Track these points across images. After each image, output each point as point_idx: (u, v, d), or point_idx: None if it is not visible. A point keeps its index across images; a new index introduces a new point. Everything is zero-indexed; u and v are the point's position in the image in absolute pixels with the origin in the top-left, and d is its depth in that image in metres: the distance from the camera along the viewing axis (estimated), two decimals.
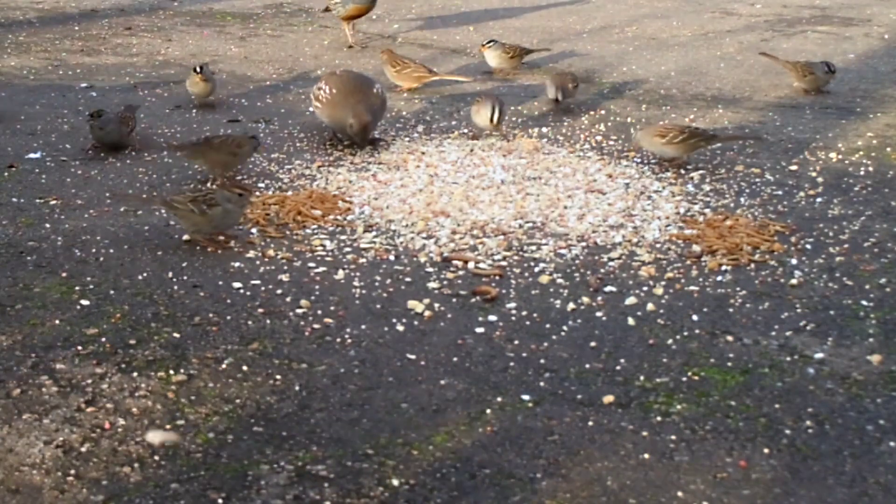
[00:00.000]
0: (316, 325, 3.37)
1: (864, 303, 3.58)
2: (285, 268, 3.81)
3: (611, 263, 3.89)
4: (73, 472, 2.59)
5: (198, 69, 5.94)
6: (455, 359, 3.18)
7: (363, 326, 3.37)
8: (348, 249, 3.99)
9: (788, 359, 3.20)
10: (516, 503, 2.51)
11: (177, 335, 3.29)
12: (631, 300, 3.58)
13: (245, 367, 3.10)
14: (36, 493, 2.50)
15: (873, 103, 6.32)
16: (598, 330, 3.38)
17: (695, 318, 3.47)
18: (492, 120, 5.26)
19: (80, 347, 3.20)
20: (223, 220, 3.98)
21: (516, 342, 3.29)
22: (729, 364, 3.17)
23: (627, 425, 2.82)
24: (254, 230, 4.15)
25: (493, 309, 3.51)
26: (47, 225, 4.19)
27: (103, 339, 3.25)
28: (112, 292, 3.58)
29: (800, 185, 4.77)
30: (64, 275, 3.72)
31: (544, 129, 5.66)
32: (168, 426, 2.79)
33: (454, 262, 3.88)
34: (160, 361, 3.12)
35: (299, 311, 3.47)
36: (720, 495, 2.53)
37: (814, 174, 4.94)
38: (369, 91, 5.27)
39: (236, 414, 2.86)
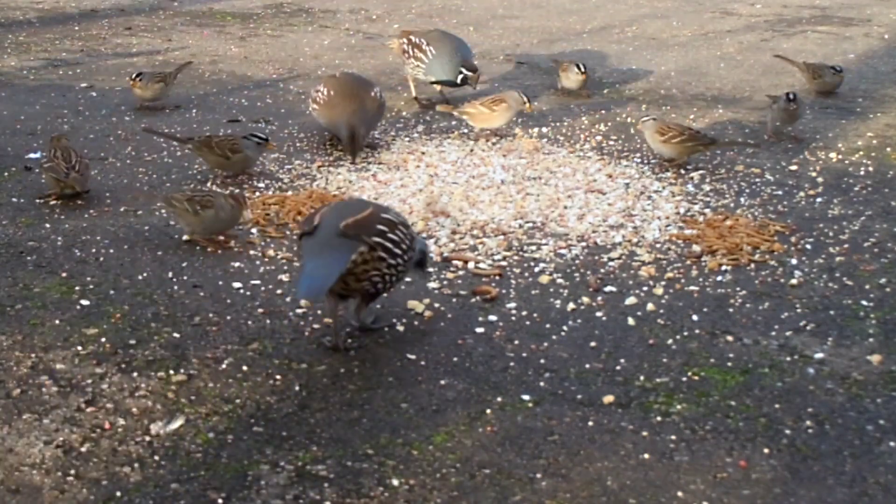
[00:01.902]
0: (316, 325, 3.37)
1: (864, 303, 3.58)
2: (285, 268, 3.81)
3: (611, 263, 3.89)
4: (73, 472, 2.59)
5: (134, 76, 5.90)
6: (455, 359, 3.18)
7: None
8: None
9: (788, 359, 3.20)
10: (516, 503, 2.51)
11: (177, 335, 3.29)
12: (631, 300, 3.58)
13: (245, 367, 3.10)
14: (36, 493, 2.50)
15: (873, 103, 6.32)
16: (598, 330, 3.38)
17: (695, 318, 3.47)
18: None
19: (80, 347, 3.20)
20: (213, 224, 3.98)
21: (516, 342, 3.29)
22: (729, 364, 3.17)
23: (627, 425, 2.82)
24: (254, 230, 4.15)
25: (493, 309, 3.51)
26: (47, 225, 4.19)
27: (103, 339, 3.25)
28: (112, 292, 3.58)
29: (800, 185, 4.77)
30: (64, 275, 3.72)
31: (544, 129, 5.66)
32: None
33: (454, 262, 3.88)
34: (160, 361, 3.12)
35: (299, 311, 3.47)
36: (720, 495, 2.53)
37: (814, 174, 4.94)
38: (366, 95, 5.24)
39: (236, 414, 2.86)
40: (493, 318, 3.45)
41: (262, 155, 4.89)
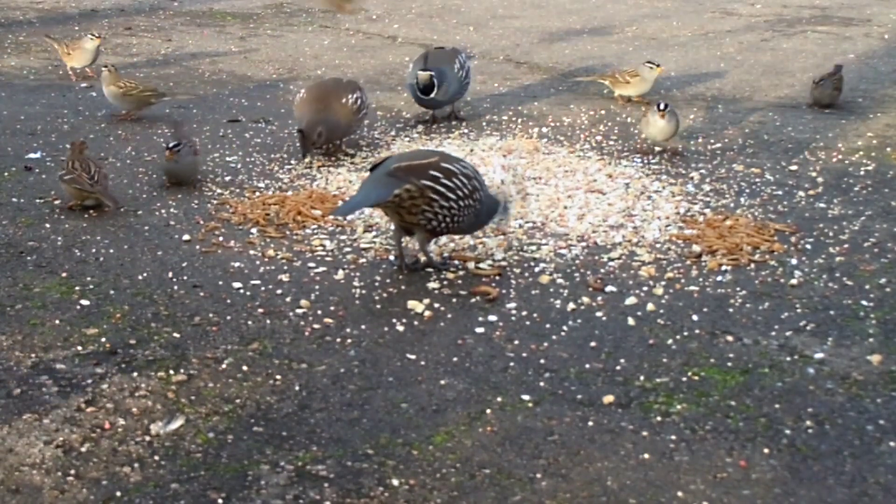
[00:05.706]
0: (316, 325, 3.37)
1: (864, 303, 3.58)
2: (285, 268, 3.81)
3: (611, 263, 3.89)
4: (73, 472, 2.59)
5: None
6: (455, 359, 3.18)
7: (363, 326, 3.37)
8: (348, 249, 3.99)
9: (788, 359, 3.20)
10: (516, 503, 2.51)
11: (177, 335, 3.29)
12: (631, 300, 3.57)
13: (245, 367, 3.10)
14: (36, 493, 2.50)
15: (873, 103, 6.32)
16: (598, 330, 3.38)
17: (695, 318, 3.47)
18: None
19: (80, 347, 3.20)
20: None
21: (516, 342, 3.29)
22: (729, 364, 3.17)
23: (627, 425, 2.82)
24: (254, 230, 4.15)
25: (493, 309, 3.51)
26: (47, 225, 4.19)
27: (103, 339, 3.25)
28: (112, 292, 3.58)
29: (800, 185, 4.77)
30: (64, 275, 3.72)
31: (544, 129, 5.66)
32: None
33: (454, 262, 3.88)
34: (160, 361, 3.12)
35: (299, 311, 3.47)
36: (720, 495, 2.53)
37: (814, 174, 4.94)
38: (336, 101, 5.10)
39: (236, 414, 2.86)
40: (493, 318, 3.45)
41: (201, 163, 4.81)
